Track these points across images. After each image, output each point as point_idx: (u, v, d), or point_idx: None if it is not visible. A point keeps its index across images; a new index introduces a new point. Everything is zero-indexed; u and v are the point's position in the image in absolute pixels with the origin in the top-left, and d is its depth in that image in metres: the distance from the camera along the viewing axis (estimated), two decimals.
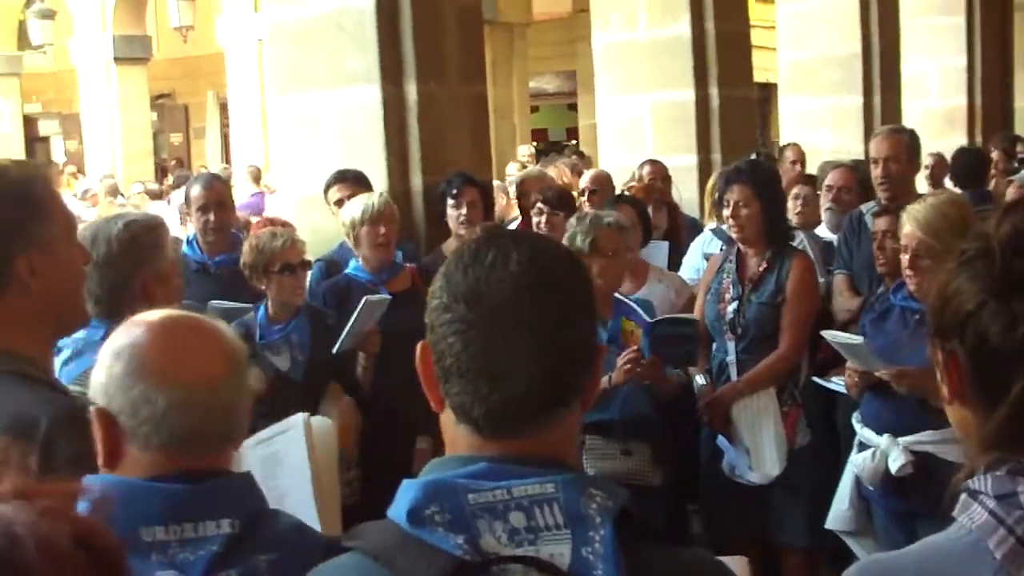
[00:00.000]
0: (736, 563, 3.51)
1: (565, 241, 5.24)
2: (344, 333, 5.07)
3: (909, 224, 4.64)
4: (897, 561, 1.78)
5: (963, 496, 1.71)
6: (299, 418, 2.71)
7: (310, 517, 2.58)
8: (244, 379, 2.13)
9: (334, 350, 5.09)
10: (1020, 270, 1.54)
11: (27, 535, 1.07)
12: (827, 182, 7.39)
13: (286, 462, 2.65)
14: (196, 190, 6.00)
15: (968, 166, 9.78)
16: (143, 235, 3.53)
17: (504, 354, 1.55)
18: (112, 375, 2.04)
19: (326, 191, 6.13)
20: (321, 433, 2.68)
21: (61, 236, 2.53)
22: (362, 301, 5.02)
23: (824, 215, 7.32)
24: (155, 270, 3.50)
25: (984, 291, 1.57)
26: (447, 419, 1.64)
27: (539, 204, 6.70)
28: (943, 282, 1.65)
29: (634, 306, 5.20)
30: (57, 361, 3.04)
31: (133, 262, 3.45)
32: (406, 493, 1.53)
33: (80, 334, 3.07)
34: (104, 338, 2.17)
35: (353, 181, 6.03)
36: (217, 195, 5.97)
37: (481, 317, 1.56)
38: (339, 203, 5.89)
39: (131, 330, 2.08)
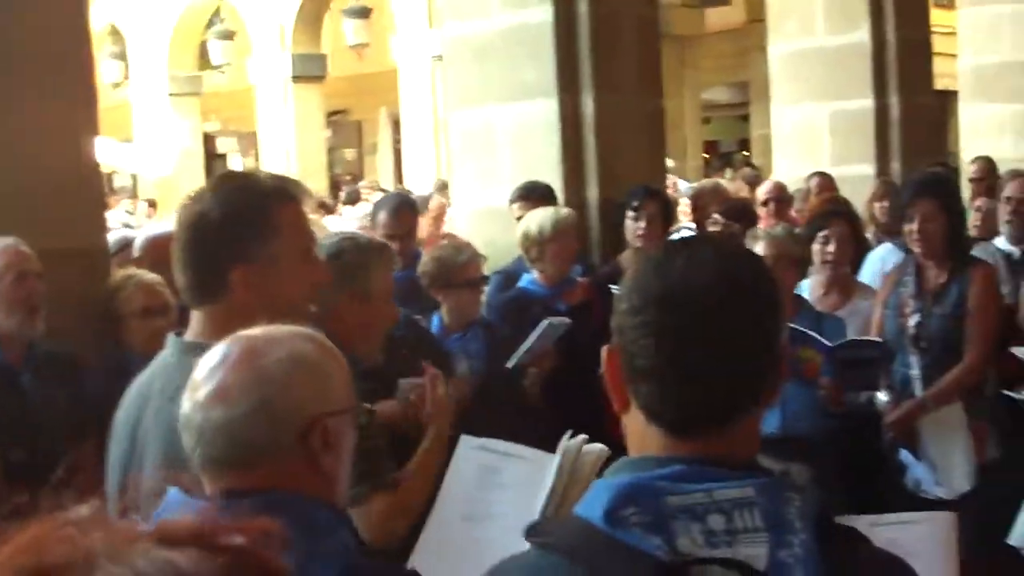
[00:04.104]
0: (946, 519, 3.45)
1: None
2: (521, 350, 5.07)
3: None
4: None
5: None
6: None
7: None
8: None
9: (508, 364, 5.10)
10: None
11: None
12: (1006, 193, 7.15)
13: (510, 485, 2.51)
14: (383, 217, 6.02)
15: None
16: (351, 253, 3.57)
17: (697, 356, 1.58)
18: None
19: (511, 204, 6.14)
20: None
21: (287, 253, 2.55)
22: (544, 323, 5.03)
23: (1003, 227, 7.09)
24: (354, 289, 3.53)
25: None
26: (633, 419, 1.66)
27: (715, 215, 6.64)
28: None
29: (811, 333, 5.10)
30: None
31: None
32: (601, 493, 1.55)
33: None
34: None
35: (539, 197, 6.02)
36: (405, 226, 6.00)
37: (674, 320, 1.59)
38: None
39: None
